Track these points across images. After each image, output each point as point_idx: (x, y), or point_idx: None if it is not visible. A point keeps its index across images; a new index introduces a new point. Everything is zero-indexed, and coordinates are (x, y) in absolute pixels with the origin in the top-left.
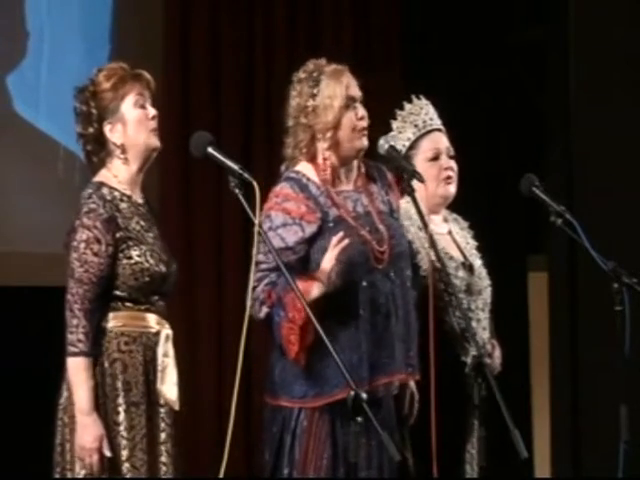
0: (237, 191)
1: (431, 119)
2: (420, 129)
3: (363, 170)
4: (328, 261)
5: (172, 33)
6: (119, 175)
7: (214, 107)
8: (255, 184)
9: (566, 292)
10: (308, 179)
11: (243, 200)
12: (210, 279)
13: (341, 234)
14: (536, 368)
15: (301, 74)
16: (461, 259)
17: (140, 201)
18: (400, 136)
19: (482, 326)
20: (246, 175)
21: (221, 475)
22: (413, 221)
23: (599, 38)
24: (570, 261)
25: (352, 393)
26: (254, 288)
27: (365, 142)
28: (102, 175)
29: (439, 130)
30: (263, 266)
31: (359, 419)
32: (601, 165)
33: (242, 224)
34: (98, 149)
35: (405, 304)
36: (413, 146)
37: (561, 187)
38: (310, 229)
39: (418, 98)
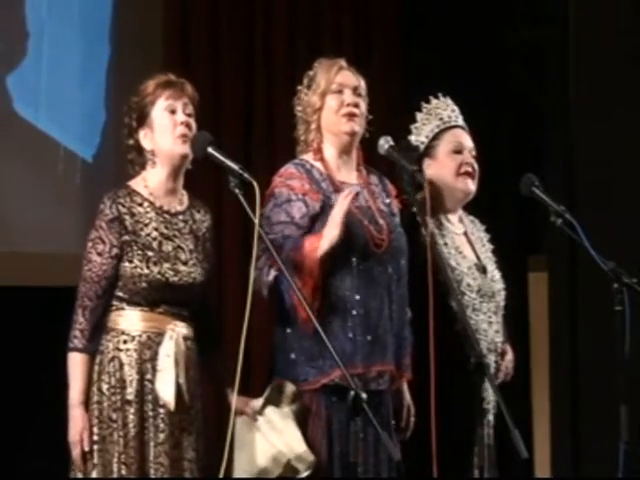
0: (237, 191)
1: (457, 116)
2: (445, 122)
3: (365, 172)
4: (339, 210)
5: (172, 33)
6: (147, 181)
7: (214, 107)
8: (255, 184)
9: (566, 292)
10: (312, 165)
11: (243, 200)
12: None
13: (350, 189)
14: (536, 368)
15: (308, 72)
16: (474, 260)
17: (173, 210)
18: (424, 127)
19: (494, 329)
20: (246, 175)
21: (221, 475)
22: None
23: (599, 38)
24: (570, 261)
25: (352, 393)
26: (260, 257)
27: (355, 127)
28: (133, 180)
29: (463, 128)
30: (270, 236)
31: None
32: (601, 165)
33: (242, 224)
34: (137, 157)
35: (401, 301)
36: (436, 137)
37: (561, 187)
38: (313, 205)
39: (444, 96)
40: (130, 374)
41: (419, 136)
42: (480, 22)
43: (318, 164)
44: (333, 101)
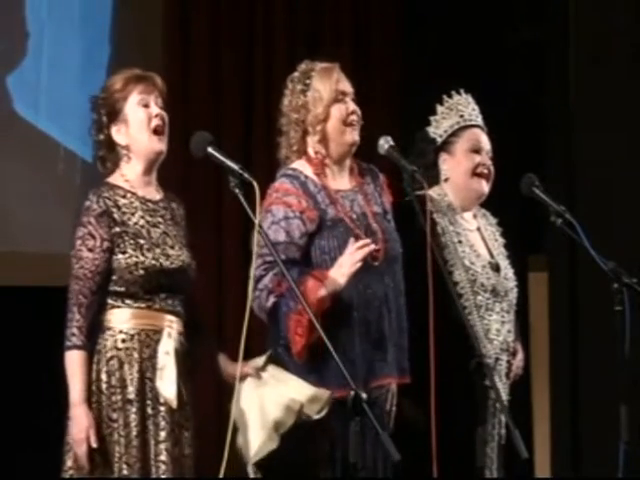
0: (237, 191)
1: (477, 115)
2: (466, 120)
3: (356, 171)
4: (350, 264)
5: (172, 33)
6: (126, 174)
7: (214, 107)
8: (255, 184)
9: (566, 292)
10: (306, 176)
11: (243, 200)
12: (210, 279)
13: (368, 240)
14: (536, 368)
15: (294, 74)
16: (488, 258)
17: (153, 199)
18: (443, 122)
19: (507, 328)
20: (246, 175)
21: (221, 475)
22: (442, 215)
23: (599, 38)
24: (570, 261)
25: (352, 393)
26: (261, 277)
27: (356, 136)
28: (111, 177)
29: (482, 129)
30: (269, 258)
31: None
32: (601, 165)
33: (242, 224)
34: (109, 153)
35: (398, 308)
36: (455, 134)
37: (561, 187)
38: (310, 225)
39: (458, 94)
40: (130, 373)
41: (437, 129)
42: (480, 22)
43: (313, 175)
44: (338, 111)
